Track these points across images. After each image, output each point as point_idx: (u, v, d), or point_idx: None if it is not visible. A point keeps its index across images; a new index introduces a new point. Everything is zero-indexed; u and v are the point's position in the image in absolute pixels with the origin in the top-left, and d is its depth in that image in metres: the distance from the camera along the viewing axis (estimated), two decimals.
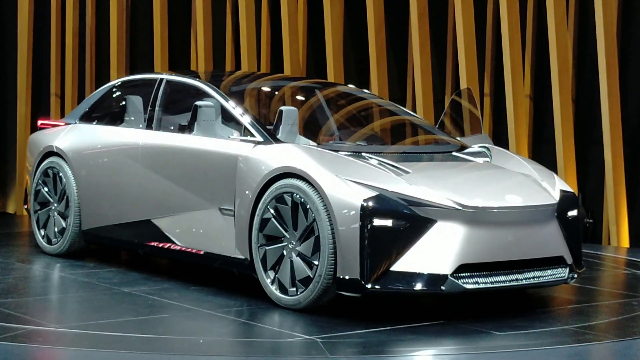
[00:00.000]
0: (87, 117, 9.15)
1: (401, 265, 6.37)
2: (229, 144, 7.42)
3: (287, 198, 6.80)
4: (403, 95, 12.24)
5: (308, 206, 6.63)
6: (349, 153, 7.10)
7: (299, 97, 8.83)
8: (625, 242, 10.53)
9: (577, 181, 10.82)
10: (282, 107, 7.73)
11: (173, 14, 13.10)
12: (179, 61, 13.16)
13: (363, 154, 7.12)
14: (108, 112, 9.13)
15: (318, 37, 12.26)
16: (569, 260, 7.04)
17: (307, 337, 6.12)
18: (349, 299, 6.54)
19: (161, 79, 8.50)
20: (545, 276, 6.87)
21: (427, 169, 7.24)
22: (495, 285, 6.58)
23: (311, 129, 8.33)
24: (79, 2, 13.27)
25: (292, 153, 6.98)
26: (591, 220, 11.10)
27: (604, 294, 8.01)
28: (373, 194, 6.44)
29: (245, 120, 7.50)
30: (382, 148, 7.68)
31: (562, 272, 6.97)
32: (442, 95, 12.10)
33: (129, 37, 13.22)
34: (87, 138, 8.86)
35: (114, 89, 9.24)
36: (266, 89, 8.90)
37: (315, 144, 7.62)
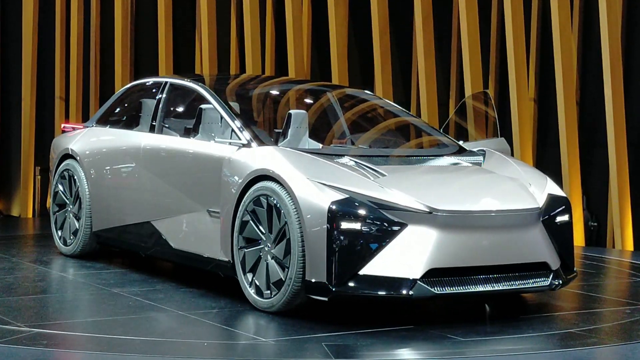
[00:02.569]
0: (102, 121, 9.25)
1: (369, 268, 6.26)
2: (217, 147, 7.41)
3: (263, 200, 6.76)
4: (407, 98, 12.20)
5: (281, 209, 6.58)
6: (332, 156, 7.06)
7: (307, 100, 8.79)
8: (629, 245, 10.43)
9: (581, 184, 10.72)
10: (291, 110, 7.71)
11: (178, 18, 13.12)
12: (184, 65, 13.19)
13: (346, 156, 7.06)
14: (121, 116, 9.21)
15: (323, 40, 12.23)
16: (554, 266, 6.83)
17: (264, 339, 6.10)
18: (322, 302, 6.45)
19: (165, 82, 8.56)
20: (525, 282, 6.67)
21: (407, 172, 7.14)
22: (466, 290, 6.42)
23: (319, 132, 8.29)
24: (84, 5, 13.33)
25: (270, 156, 6.95)
26: (595, 224, 11.01)
27: (606, 299, 7.80)
28: (342, 196, 6.37)
29: (230, 120, 7.48)
30: (372, 151, 7.63)
31: (544, 278, 6.75)
32: (447, 98, 12.05)
33: (133, 41, 13.26)
34: (98, 141, 8.97)
35: (127, 93, 9.33)
36: (272, 92, 8.89)
37: (321, 146, 7.62)
